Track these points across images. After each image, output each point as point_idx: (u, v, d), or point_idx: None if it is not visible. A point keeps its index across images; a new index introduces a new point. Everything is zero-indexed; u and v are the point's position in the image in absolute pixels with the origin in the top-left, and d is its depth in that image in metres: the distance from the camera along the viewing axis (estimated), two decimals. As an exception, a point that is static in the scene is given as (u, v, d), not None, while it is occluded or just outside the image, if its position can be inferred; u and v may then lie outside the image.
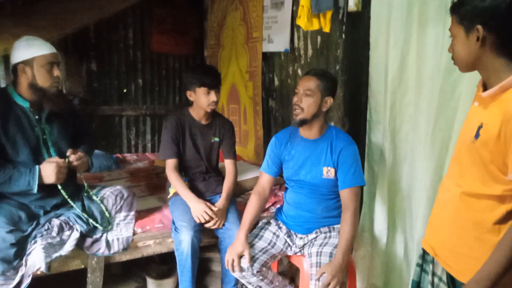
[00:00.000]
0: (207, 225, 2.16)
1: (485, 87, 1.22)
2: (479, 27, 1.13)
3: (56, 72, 1.87)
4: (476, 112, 1.22)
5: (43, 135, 1.93)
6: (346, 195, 1.90)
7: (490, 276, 1.11)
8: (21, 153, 1.85)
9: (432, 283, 1.36)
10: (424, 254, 1.43)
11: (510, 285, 1.16)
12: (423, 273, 1.43)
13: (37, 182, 1.80)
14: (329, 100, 1.93)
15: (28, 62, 1.83)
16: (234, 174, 2.41)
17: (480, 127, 1.15)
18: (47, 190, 1.90)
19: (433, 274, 1.36)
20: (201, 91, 2.25)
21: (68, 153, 1.93)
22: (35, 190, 1.81)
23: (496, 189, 1.14)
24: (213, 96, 2.26)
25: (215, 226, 2.18)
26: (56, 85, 1.89)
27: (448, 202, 1.29)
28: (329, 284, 1.71)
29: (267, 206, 2.53)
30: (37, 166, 1.82)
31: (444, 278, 1.32)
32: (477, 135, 1.16)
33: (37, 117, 1.91)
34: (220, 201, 2.27)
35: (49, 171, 1.82)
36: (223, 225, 2.22)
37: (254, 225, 2.13)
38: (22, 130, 1.86)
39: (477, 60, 1.19)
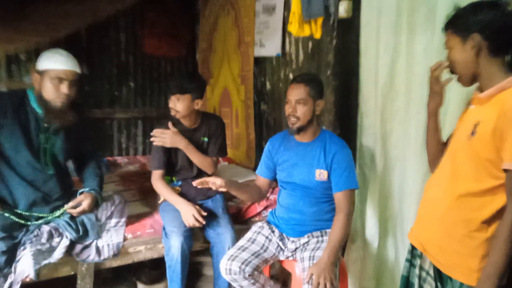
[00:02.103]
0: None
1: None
2: (475, 35, 1.23)
3: (64, 89, 1.87)
4: (472, 113, 1.30)
5: (44, 144, 1.94)
6: (339, 197, 1.93)
7: (495, 273, 1.16)
8: (20, 154, 1.88)
9: (419, 277, 1.43)
10: (412, 249, 1.48)
11: None
12: (411, 267, 1.49)
13: None
14: (321, 103, 1.98)
15: (41, 73, 1.87)
16: (212, 168, 2.36)
17: (476, 125, 1.23)
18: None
19: (421, 268, 1.43)
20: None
21: (71, 204, 1.97)
22: None
23: (489, 183, 1.20)
24: (171, 102, 2.23)
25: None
26: (61, 101, 1.88)
27: (439, 201, 1.34)
28: (318, 283, 1.72)
29: (259, 210, 2.54)
30: None
31: (431, 272, 1.38)
32: (473, 132, 1.23)
33: (46, 125, 1.93)
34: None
35: None
36: (213, 229, 2.22)
37: (247, 229, 2.15)
38: (27, 133, 1.89)
39: (475, 68, 1.27)
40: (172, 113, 2.25)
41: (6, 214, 1.85)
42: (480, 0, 1.26)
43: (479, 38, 1.22)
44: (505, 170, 1.16)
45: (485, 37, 1.22)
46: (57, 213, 1.99)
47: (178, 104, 2.21)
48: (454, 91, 1.74)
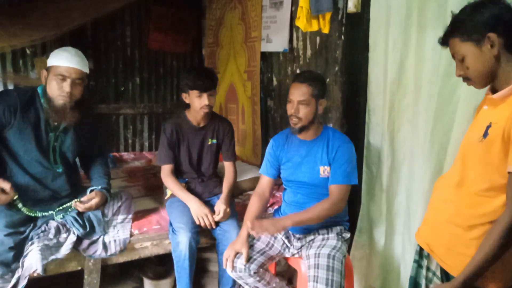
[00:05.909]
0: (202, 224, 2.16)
1: (494, 93, 1.25)
2: (491, 34, 1.18)
3: (65, 87, 1.84)
4: (485, 114, 1.26)
5: (54, 142, 1.94)
6: (333, 189, 1.92)
7: (475, 268, 1.18)
8: (29, 152, 1.88)
9: (426, 278, 1.42)
10: (420, 250, 1.48)
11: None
12: (419, 268, 1.48)
13: None
14: (324, 102, 1.97)
15: (47, 69, 1.87)
16: (233, 176, 2.40)
17: (488, 127, 1.19)
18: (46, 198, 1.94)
19: (427, 269, 1.42)
20: (193, 93, 2.23)
21: (83, 200, 1.98)
22: None
23: (499, 187, 1.18)
24: (205, 100, 2.21)
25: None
26: (62, 99, 1.85)
27: (446, 203, 1.33)
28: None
29: (265, 207, 2.53)
30: None
31: (438, 273, 1.37)
32: (485, 134, 1.20)
33: (56, 123, 1.92)
34: (220, 203, 2.23)
35: None
36: (220, 226, 2.22)
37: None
38: (37, 131, 1.88)
39: (495, 69, 1.22)
40: (206, 110, 2.25)
41: (14, 209, 1.85)
42: (476, 1, 1.21)
43: (494, 36, 1.17)
44: (509, 173, 1.13)
45: (499, 34, 1.17)
46: (65, 206, 1.99)
47: (212, 100, 2.25)
48: (463, 90, 1.71)
